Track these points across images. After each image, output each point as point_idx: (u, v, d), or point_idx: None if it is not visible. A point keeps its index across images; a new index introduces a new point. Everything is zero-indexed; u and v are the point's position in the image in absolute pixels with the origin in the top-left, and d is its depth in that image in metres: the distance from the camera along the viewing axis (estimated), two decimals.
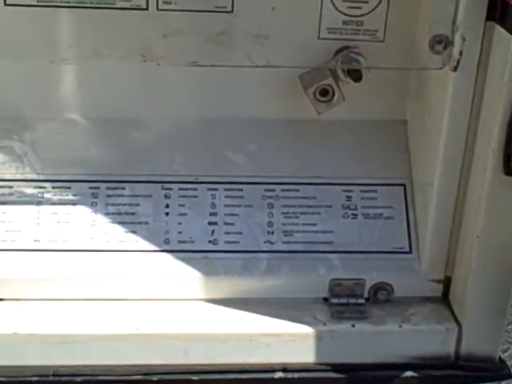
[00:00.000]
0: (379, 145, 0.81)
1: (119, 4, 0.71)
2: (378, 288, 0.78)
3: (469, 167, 0.76)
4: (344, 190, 0.79)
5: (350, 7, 0.74)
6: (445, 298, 0.80)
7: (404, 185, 0.80)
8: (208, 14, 0.72)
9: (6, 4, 0.71)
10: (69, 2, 0.71)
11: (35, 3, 0.71)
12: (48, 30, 0.71)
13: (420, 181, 0.80)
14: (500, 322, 0.77)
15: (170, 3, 0.71)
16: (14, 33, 0.72)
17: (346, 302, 0.77)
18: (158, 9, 0.71)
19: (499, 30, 0.70)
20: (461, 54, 0.72)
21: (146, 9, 0.71)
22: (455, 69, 0.72)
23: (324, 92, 0.77)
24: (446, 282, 0.80)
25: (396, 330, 0.77)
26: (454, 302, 0.79)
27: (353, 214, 0.79)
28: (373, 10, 0.75)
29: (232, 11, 0.72)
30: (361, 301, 0.77)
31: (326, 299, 0.77)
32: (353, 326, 0.76)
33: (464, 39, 0.71)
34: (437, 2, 0.71)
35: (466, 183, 0.76)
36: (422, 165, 0.79)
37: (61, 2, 0.71)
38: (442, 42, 0.73)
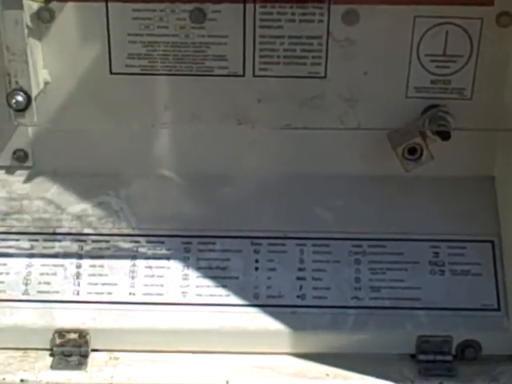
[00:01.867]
0: (467, 201, 0.81)
1: (217, 71, 0.74)
2: (465, 345, 0.77)
3: None
4: (431, 246, 0.79)
5: (437, 66, 0.76)
6: None
7: (492, 241, 0.80)
8: (302, 79, 0.74)
9: (111, 73, 0.75)
10: (170, 70, 0.74)
11: (138, 71, 0.75)
12: (150, 97, 0.75)
13: (509, 238, 0.79)
14: None
15: (265, 69, 0.74)
16: (119, 99, 0.76)
17: (433, 359, 0.77)
18: (254, 75, 0.74)
19: None
20: None
21: (243, 75, 0.74)
22: None
23: (412, 150, 0.78)
24: None
25: None
26: None
27: (440, 271, 0.79)
28: (460, 68, 0.76)
29: (325, 77, 0.74)
30: (448, 358, 0.77)
31: (413, 356, 0.77)
32: (440, 383, 0.76)
33: None
34: None
35: None
36: (511, 222, 0.79)
37: (162, 69, 0.74)
38: None
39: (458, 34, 0.74)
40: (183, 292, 0.77)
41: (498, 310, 0.78)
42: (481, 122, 0.78)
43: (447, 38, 0.75)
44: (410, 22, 0.74)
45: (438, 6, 0.74)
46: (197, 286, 0.77)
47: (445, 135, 0.76)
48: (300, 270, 0.78)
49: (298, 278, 0.78)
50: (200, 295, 0.77)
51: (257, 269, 0.78)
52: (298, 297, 0.77)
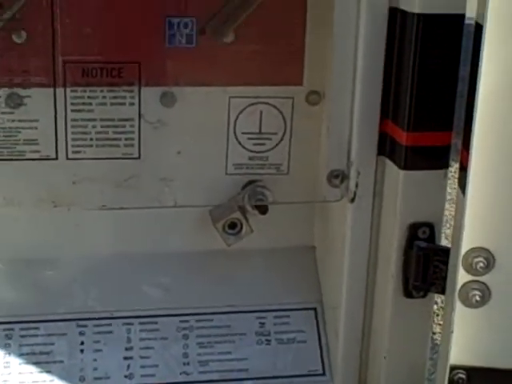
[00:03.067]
0: (290, 271, 0.84)
1: (29, 155, 0.74)
2: None
3: (372, 290, 0.79)
4: (257, 317, 0.82)
5: (254, 144, 0.79)
6: None
7: (315, 308, 0.83)
8: (116, 160, 0.76)
9: None
10: None
11: None
12: None
13: (329, 304, 0.83)
14: None
15: (79, 152, 0.75)
16: None
17: None
18: (67, 158, 0.75)
19: (389, 164, 0.75)
20: (356, 186, 0.77)
21: (56, 158, 0.75)
22: (352, 200, 0.77)
23: (232, 225, 0.80)
24: None
25: None
26: None
27: (266, 340, 0.81)
28: (276, 145, 0.80)
29: (139, 157, 0.76)
30: None
31: None
32: None
33: (359, 173, 0.76)
34: (332, 140, 0.76)
35: (372, 305, 0.80)
36: (330, 288, 0.83)
37: None
38: (338, 176, 0.78)
39: (271, 112, 0.78)
40: (4, 381, 0.75)
41: (324, 374, 0.81)
42: (298, 195, 0.81)
43: (262, 117, 0.79)
44: (226, 102, 0.78)
45: (252, 87, 0.78)
46: (19, 373, 0.76)
47: (263, 209, 0.80)
48: (127, 349, 0.78)
49: (126, 358, 0.78)
50: (23, 382, 0.75)
51: (82, 351, 0.77)
52: (125, 377, 0.77)
